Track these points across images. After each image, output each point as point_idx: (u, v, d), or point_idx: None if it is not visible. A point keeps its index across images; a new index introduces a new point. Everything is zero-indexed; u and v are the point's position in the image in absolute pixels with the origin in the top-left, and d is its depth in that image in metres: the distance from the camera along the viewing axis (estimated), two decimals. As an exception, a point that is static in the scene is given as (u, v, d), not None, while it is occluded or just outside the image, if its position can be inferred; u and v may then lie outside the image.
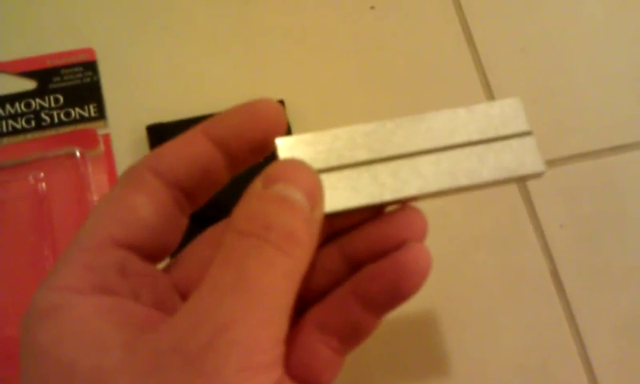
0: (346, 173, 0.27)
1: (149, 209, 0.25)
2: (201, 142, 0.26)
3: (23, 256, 0.39)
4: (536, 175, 0.28)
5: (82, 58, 0.45)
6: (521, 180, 0.29)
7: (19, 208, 0.40)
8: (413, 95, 0.47)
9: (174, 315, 0.22)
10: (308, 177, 0.24)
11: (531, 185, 0.46)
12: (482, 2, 0.51)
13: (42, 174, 0.41)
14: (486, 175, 0.27)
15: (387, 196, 0.27)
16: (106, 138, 0.43)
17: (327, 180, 0.26)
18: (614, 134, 0.48)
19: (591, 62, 0.50)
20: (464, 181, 0.27)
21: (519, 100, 0.28)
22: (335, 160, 0.27)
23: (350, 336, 0.27)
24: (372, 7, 0.50)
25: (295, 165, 0.25)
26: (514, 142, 0.28)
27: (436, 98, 0.47)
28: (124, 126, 0.44)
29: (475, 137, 0.28)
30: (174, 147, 0.26)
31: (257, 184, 0.24)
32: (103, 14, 0.47)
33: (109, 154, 0.42)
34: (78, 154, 0.41)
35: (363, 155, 0.27)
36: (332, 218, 0.27)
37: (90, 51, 0.45)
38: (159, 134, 0.43)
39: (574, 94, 0.49)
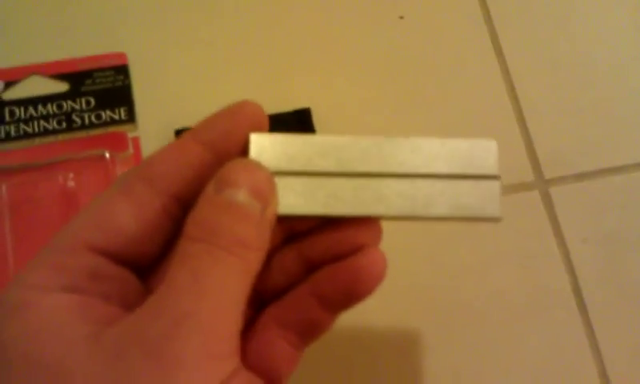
0: (309, 180, 0.27)
1: (130, 217, 0.26)
2: (191, 146, 0.27)
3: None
4: (492, 220, 0.28)
5: (114, 61, 0.45)
6: (477, 221, 0.29)
7: (48, 207, 0.41)
8: (439, 106, 0.48)
9: (136, 310, 0.23)
10: (259, 177, 0.25)
11: (555, 198, 0.46)
12: (512, 16, 0.51)
13: (72, 175, 0.42)
14: (443, 211, 0.28)
15: (342, 211, 0.27)
16: (136, 141, 0.44)
17: (288, 182, 0.27)
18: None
19: (621, 78, 0.50)
20: (420, 212, 0.28)
21: (495, 143, 0.28)
22: (302, 165, 0.28)
23: (308, 332, 0.28)
24: (401, 17, 0.50)
25: (247, 165, 0.26)
26: (479, 184, 0.28)
27: (462, 111, 0.47)
28: (153, 129, 0.44)
29: (443, 170, 0.28)
30: (165, 154, 0.27)
31: (209, 188, 0.25)
32: (135, 18, 0.48)
33: (137, 157, 0.43)
34: (107, 155, 0.42)
35: (330, 166, 0.28)
36: (287, 220, 0.28)
37: (121, 55, 0.46)
38: (187, 138, 0.43)
39: (602, 108, 0.49)
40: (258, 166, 0.26)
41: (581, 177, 0.47)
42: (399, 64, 0.48)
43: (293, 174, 0.27)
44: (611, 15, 0.51)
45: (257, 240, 0.25)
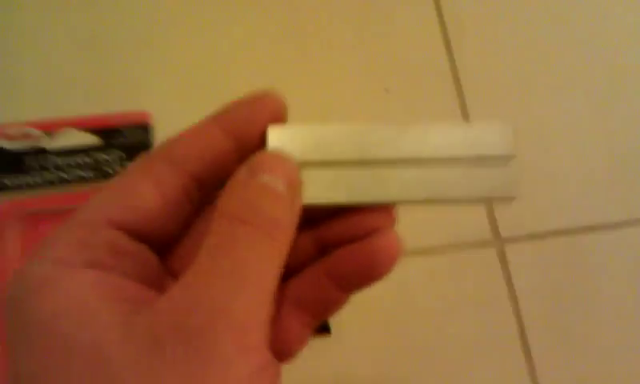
0: (330, 170, 0.28)
1: (151, 194, 0.26)
2: (213, 131, 0.27)
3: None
4: (509, 199, 0.28)
5: (140, 120, 0.53)
6: (494, 201, 0.30)
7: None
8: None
9: (170, 293, 0.23)
10: (290, 169, 0.26)
11: (509, 255, 0.54)
12: (481, 94, 0.59)
13: (104, 219, 0.49)
14: (462, 193, 0.28)
15: (365, 198, 0.28)
16: (157, 191, 0.51)
17: (310, 173, 0.27)
18: (586, 215, 0.56)
19: (572, 150, 0.58)
20: (440, 195, 0.28)
21: (511, 125, 0.28)
22: (322, 155, 0.28)
23: (321, 310, 0.29)
24: (386, 90, 0.58)
25: (279, 157, 0.26)
26: (496, 165, 0.28)
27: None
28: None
29: (461, 153, 0.28)
30: (187, 136, 0.28)
31: (242, 172, 0.26)
32: (159, 82, 0.55)
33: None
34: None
35: (350, 155, 0.28)
36: (308, 209, 0.28)
37: (146, 114, 0.53)
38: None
39: (553, 178, 0.57)
40: (287, 158, 0.26)
41: (532, 237, 0.55)
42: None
43: (312, 165, 0.28)
44: (571, 93, 0.60)
45: (290, 224, 0.26)
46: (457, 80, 0.59)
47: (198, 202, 0.28)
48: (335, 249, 0.28)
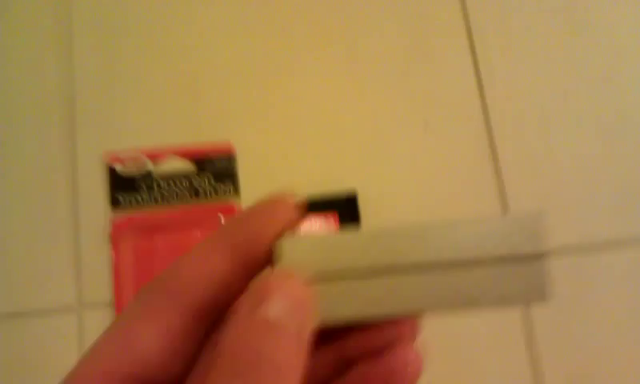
0: (347, 281, 0.26)
1: (151, 339, 0.25)
2: (216, 253, 0.26)
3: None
4: (540, 300, 0.26)
5: (227, 150, 0.65)
6: (524, 304, 0.28)
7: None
8: (448, 203, 0.67)
9: None
10: (298, 293, 0.24)
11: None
12: (507, 131, 0.69)
13: (198, 232, 0.62)
14: (488, 300, 0.26)
15: (383, 312, 0.26)
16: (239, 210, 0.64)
17: (324, 287, 0.26)
18: (589, 236, 0.67)
19: (581, 183, 0.69)
20: (467, 301, 0.26)
21: (542, 219, 0.26)
22: (337, 265, 0.26)
23: None
24: (426, 124, 0.69)
25: (283, 278, 0.24)
26: (527, 264, 0.26)
27: (458, 203, 0.67)
28: (252, 201, 0.64)
29: (487, 253, 0.26)
30: (188, 263, 0.26)
31: (243, 306, 0.23)
32: (243, 117, 0.68)
33: (241, 221, 0.63)
34: (222, 219, 0.62)
35: (367, 266, 0.26)
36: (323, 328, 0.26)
37: (231, 145, 0.65)
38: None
39: (563, 200, 0.68)
40: (294, 276, 0.24)
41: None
42: (423, 161, 0.68)
43: (327, 279, 0.26)
44: (584, 129, 0.70)
45: (298, 360, 0.23)
46: (487, 118, 0.70)
47: (205, 330, 0.26)
48: (354, 364, 0.27)
